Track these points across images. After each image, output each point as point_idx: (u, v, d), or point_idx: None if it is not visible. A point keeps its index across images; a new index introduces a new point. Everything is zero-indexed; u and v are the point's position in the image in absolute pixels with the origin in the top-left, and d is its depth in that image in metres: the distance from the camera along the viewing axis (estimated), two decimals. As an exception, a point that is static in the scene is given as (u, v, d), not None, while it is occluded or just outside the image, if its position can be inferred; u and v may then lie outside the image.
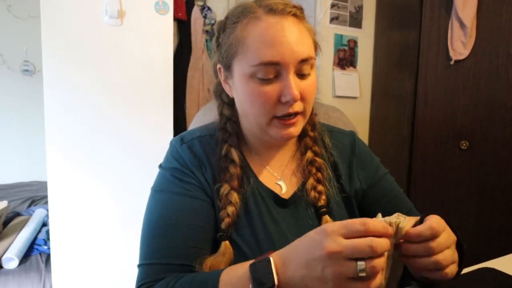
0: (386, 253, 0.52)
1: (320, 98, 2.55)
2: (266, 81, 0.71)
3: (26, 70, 3.11)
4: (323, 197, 0.82)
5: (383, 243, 0.50)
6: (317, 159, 0.85)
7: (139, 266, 0.75)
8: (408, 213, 0.82)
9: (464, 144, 2.26)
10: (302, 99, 0.73)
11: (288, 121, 0.74)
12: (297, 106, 0.73)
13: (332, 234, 0.51)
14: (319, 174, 0.84)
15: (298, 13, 0.74)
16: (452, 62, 2.20)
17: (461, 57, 2.19)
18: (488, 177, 2.27)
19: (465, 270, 0.92)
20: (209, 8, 2.99)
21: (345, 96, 2.64)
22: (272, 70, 0.71)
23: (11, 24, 3.05)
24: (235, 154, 0.80)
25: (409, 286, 0.69)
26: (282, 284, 0.56)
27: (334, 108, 1.18)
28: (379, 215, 0.56)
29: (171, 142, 0.85)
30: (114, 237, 1.82)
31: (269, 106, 0.72)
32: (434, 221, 0.58)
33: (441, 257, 0.57)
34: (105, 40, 1.74)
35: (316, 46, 0.78)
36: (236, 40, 0.73)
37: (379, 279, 0.50)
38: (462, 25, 2.15)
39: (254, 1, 0.76)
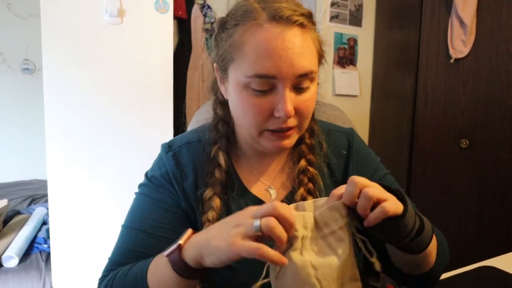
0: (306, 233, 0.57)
1: (320, 96, 2.55)
2: (260, 92, 0.68)
3: (26, 69, 3.10)
4: None
5: (287, 211, 0.54)
6: (310, 168, 0.81)
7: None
8: None
9: (464, 143, 2.26)
10: (297, 113, 0.70)
11: (280, 134, 0.71)
12: (291, 122, 0.70)
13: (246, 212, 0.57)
14: (310, 185, 0.80)
15: (305, 23, 0.68)
16: (452, 61, 2.20)
17: (461, 56, 2.19)
18: (488, 175, 2.27)
19: (465, 269, 0.92)
20: (209, 7, 2.99)
21: (345, 94, 2.65)
22: (267, 83, 0.67)
23: (11, 22, 3.04)
24: (222, 158, 0.78)
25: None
26: (187, 244, 0.60)
27: (333, 106, 1.17)
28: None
29: (161, 146, 0.85)
30: (113, 235, 1.81)
31: (261, 119, 0.69)
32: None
33: (371, 192, 0.55)
34: (105, 38, 1.74)
35: (320, 57, 0.75)
36: (234, 46, 0.69)
37: (275, 254, 0.51)
38: (462, 23, 2.14)
39: (259, 1, 0.70)
